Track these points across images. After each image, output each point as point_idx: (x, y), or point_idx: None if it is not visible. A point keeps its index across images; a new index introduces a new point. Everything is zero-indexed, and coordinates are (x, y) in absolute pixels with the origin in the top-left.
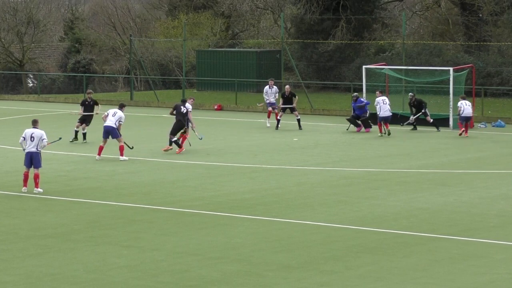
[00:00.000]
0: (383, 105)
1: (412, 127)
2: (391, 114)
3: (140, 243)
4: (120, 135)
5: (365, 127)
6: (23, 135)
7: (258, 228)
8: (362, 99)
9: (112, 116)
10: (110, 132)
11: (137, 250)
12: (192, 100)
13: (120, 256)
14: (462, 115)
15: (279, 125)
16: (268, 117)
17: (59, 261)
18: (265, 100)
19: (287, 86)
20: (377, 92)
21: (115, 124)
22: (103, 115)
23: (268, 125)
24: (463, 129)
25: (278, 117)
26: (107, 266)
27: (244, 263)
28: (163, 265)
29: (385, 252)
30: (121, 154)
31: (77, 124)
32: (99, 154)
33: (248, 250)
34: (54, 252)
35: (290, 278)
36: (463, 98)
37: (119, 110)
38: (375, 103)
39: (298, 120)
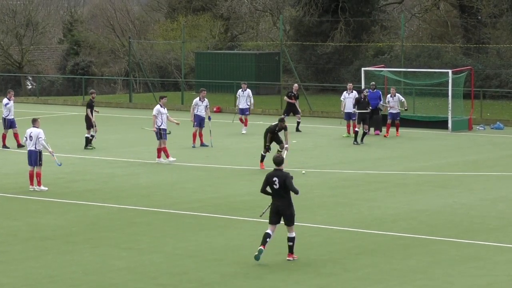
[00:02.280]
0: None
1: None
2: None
3: (139, 245)
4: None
5: (375, 129)
6: (25, 135)
7: (257, 230)
8: (379, 91)
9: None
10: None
11: (136, 252)
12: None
13: (119, 258)
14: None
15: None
16: (245, 125)
17: (58, 263)
18: (237, 104)
19: (295, 85)
20: (349, 84)
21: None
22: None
23: (243, 131)
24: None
25: (298, 120)
26: (106, 268)
27: (243, 265)
28: (162, 267)
29: (384, 254)
30: (158, 156)
31: (95, 129)
32: (159, 157)
33: (247, 252)
34: (53, 254)
35: (289, 281)
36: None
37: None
38: (342, 97)
39: (298, 123)
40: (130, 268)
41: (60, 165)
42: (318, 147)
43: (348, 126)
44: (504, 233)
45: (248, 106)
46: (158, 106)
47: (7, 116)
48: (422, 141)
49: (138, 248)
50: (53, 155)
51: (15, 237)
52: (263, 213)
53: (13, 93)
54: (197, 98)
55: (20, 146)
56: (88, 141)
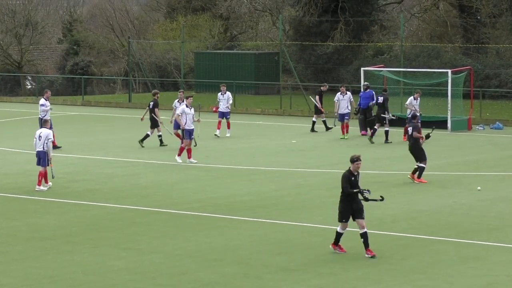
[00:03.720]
0: (342, 101)
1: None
2: (349, 111)
3: (139, 245)
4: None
5: (370, 129)
6: (35, 136)
7: (257, 230)
8: (372, 91)
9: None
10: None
11: (135, 253)
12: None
13: (118, 259)
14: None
15: (327, 125)
16: (218, 128)
17: (57, 263)
18: (217, 105)
19: (326, 85)
20: (342, 87)
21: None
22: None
23: (217, 134)
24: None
25: (323, 119)
26: (106, 268)
27: (243, 265)
28: (161, 267)
29: (383, 254)
30: (178, 154)
31: (159, 127)
32: (189, 157)
33: (246, 252)
34: (53, 254)
35: (289, 281)
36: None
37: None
38: (335, 99)
39: (314, 122)
40: (129, 268)
41: (53, 177)
42: (318, 147)
43: (343, 128)
44: (504, 233)
45: (229, 110)
46: (183, 106)
47: (44, 116)
48: None
49: (137, 248)
50: (50, 163)
51: (15, 237)
52: (370, 199)
53: (50, 93)
54: (183, 104)
55: None
56: (161, 140)
